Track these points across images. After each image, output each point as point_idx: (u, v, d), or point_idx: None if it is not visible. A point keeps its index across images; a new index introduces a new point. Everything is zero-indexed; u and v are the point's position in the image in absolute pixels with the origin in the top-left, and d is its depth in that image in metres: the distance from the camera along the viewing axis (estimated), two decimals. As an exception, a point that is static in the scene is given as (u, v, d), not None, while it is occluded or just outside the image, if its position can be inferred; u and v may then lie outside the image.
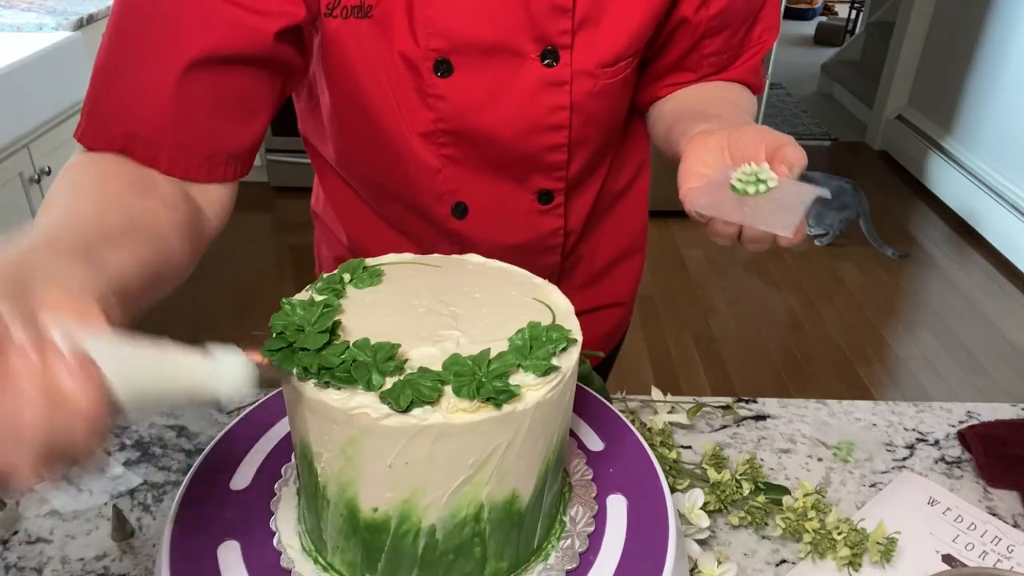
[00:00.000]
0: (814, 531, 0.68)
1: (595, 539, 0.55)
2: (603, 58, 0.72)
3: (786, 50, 5.77)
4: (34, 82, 1.94)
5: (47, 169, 1.97)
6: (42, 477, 0.35)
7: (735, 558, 0.69)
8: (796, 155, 0.59)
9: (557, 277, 0.91)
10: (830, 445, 0.83)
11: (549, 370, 0.47)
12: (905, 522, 0.72)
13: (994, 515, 0.75)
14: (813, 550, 0.68)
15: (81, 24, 2.16)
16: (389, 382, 0.45)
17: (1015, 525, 0.74)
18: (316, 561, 0.53)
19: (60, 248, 0.43)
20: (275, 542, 0.54)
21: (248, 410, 0.65)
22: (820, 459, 0.81)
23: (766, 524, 0.71)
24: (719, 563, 0.66)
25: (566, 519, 0.56)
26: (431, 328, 0.50)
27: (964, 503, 0.75)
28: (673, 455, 0.75)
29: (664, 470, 0.63)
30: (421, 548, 0.48)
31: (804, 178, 0.60)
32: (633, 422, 0.76)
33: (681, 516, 0.67)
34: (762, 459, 0.80)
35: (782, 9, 2.45)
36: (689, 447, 0.82)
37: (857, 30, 5.72)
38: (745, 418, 0.86)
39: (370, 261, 0.58)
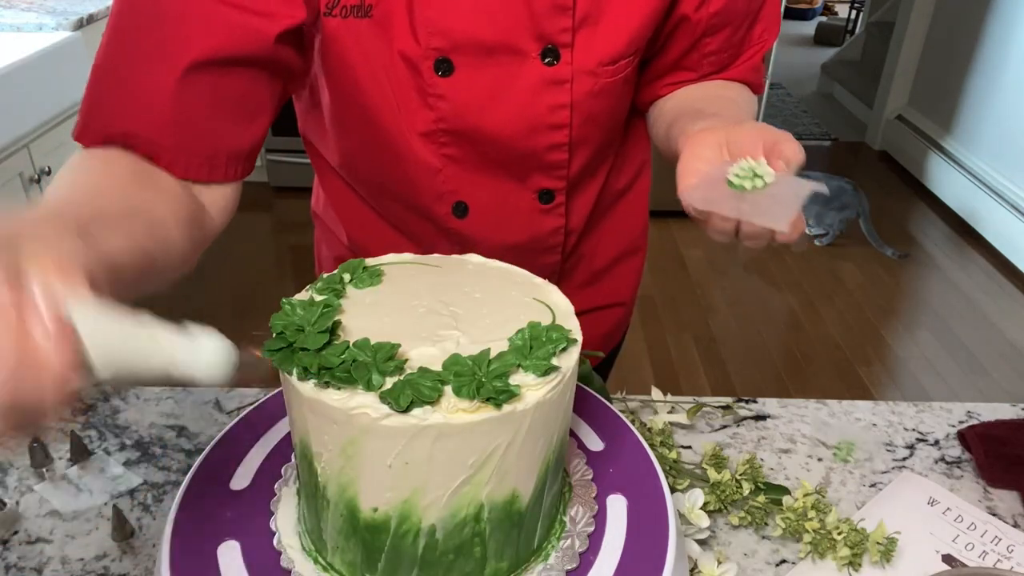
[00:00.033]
0: (814, 531, 0.68)
1: (595, 539, 0.55)
2: (604, 56, 0.72)
3: (786, 50, 5.78)
4: (34, 82, 1.94)
5: (47, 169, 1.97)
6: (2, 433, 0.35)
7: (735, 558, 0.69)
8: (793, 151, 0.59)
9: (557, 277, 0.91)
10: (830, 445, 0.83)
11: (549, 370, 0.47)
12: (905, 522, 0.72)
13: (994, 515, 0.75)
14: (813, 550, 0.68)
15: (81, 24, 2.16)
16: (389, 382, 0.45)
17: (1015, 525, 0.74)
18: (316, 561, 0.53)
19: (55, 222, 0.44)
20: (275, 542, 0.54)
21: (248, 410, 0.65)
22: (820, 459, 0.81)
23: (766, 524, 0.71)
24: (719, 563, 0.66)
25: (566, 519, 0.56)
26: (431, 328, 0.50)
27: (964, 503, 0.75)
28: (673, 455, 0.75)
29: (664, 470, 0.63)
30: (421, 548, 0.48)
31: (803, 176, 0.60)
32: (633, 422, 0.76)
33: (681, 516, 0.67)
34: (762, 459, 0.80)
35: (782, 8, 2.44)
36: (689, 447, 0.82)
37: (857, 30, 5.72)
38: (745, 418, 0.86)
39: (370, 261, 0.58)
